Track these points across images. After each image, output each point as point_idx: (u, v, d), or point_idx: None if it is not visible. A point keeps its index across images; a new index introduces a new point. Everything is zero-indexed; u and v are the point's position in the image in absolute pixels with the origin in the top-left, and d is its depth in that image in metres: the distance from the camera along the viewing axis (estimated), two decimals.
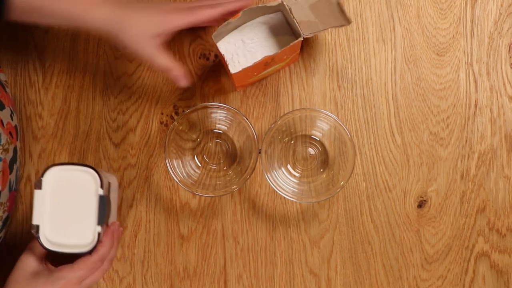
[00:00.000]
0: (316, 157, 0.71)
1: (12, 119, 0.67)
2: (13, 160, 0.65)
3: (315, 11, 0.64)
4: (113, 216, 0.64)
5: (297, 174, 0.71)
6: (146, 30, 0.59)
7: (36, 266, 0.58)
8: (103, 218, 0.57)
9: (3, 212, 0.63)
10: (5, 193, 0.63)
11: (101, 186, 0.57)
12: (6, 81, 0.71)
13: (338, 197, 0.70)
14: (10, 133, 0.65)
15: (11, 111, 0.67)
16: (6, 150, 0.63)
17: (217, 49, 0.64)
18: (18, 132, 0.69)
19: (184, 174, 0.68)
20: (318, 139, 0.71)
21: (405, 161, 0.71)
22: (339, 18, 0.65)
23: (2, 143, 0.61)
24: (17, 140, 0.68)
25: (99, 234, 0.57)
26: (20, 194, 0.71)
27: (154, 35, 0.59)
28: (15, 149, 0.66)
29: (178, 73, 0.62)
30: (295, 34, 0.64)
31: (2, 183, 0.62)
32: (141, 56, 0.61)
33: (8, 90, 0.69)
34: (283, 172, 0.70)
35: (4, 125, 0.64)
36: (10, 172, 0.64)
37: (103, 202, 0.57)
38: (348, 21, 0.65)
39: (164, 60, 0.61)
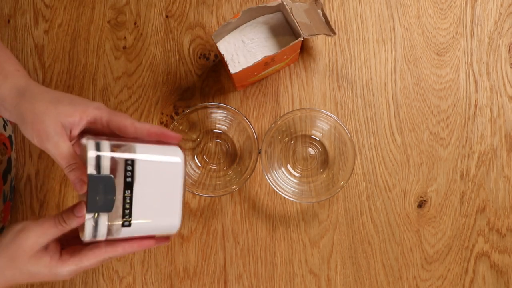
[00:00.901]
0: (316, 157, 0.71)
1: (5, 130, 0.66)
2: (7, 171, 0.65)
3: (309, 16, 0.65)
4: (171, 217, 0.49)
5: (297, 174, 0.71)
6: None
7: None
8: (93, 204, 0.44)
9: None
10: None
11: (97, 165, 0.44)
12: None
13: (338, 197, 0.70)
14: (4, 144, 0.64)
15: (4, 121, 0.67)
16: None
17: (217, 49, 0.64)
18: (13, 142, 0.69)
19: None
20: (318, 139, 0.71)
21: (405, 161, 0.71)
22: (326, 27, 0.66)
23: None
24: (11, 150, 0.67)
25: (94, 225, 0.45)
26: (20, 193, 0.71)
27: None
28: (9, 160, 0.65)
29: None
30: (295, 34, 0.64)
31: None
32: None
33: None
34: (283, 172, 0.70)
35: None
36: (4, 183, 0.63)
37: (92, 184, 0.44)
38: (333, 33, 0.66)
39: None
